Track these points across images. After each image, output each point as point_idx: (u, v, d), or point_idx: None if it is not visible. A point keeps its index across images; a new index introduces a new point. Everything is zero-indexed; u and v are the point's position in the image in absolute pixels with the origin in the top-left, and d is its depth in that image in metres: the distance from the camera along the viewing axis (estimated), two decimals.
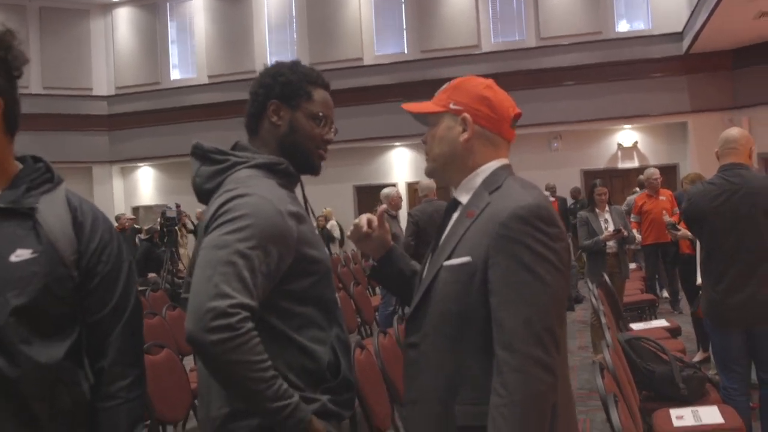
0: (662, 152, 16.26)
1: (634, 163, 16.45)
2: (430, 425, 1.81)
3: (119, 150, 18.84)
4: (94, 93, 19.10)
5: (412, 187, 17.10)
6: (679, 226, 6.81)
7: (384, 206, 2.23)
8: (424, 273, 1.93)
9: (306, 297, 1.99)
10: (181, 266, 11.81)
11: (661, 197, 9.45)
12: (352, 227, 2.19)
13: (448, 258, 1.80)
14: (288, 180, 2.10)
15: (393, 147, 17.63)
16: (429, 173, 2.02)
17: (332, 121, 2.19)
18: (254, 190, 1.92)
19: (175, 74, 19.26)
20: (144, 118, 18.46)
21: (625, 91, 15.58)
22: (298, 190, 2.17)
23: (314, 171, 2.19)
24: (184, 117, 18.02)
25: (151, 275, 10.93)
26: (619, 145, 16.56)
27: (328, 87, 2.21)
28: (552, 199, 13.83)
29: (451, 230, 1.87)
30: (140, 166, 19.56)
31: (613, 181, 15.55)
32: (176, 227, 11.50)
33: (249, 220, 1.85)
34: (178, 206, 12.04)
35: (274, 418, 1.84)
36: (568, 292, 1.86)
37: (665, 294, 10.12)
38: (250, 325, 1.79)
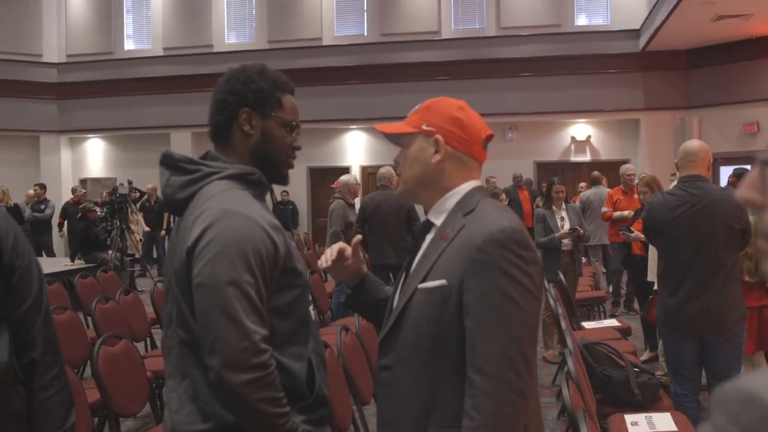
0: (614, 147, 16.53)
1: (587, 157, 16.71)
2: None
3: (68, 120, 18.36)
4: (44, 60, 18.54)
5: (366, 171, 17.11)
6: (632, 228, 6.96)
7: (359, 237, 2.19)
8: (397, 295, 1.93)
9: (289, 312, 1.98)
10: (129, 243, 11.63)
11: (635, 196, 8.96)
12: (325, 257, 2.13)
13: (423, 280, 1.80)
14: (260, 190, 2.08)
15: (348, 130, 17.57)
16: (401, 194, 2.01)
17: (299, 126, 2.16)
18: (235, 209, 1.90)
19: (130, 45, 18.80)
20: (95, 88, 18.01)
21: (580, 85, 15.80)
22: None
23: (284, 181, 2.17)
24: (137, 89, 17.69)
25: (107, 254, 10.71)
26: (573, 138, 16.78)
27: (294, 91, 2.16)
28: (520, 187, 13.98)
29: (425, 252, 1.87)
30: (90, 138, 19.09)
31: (565, 174, 15.76)
32: (127, 204, 11.29)
33: (242, 247, 1.84)
34: (130, 183, 11.84)
35: None
36: (539, 315, 1.89)
37: (610, 289, 10.25)
38: (273, 360, 1.84)
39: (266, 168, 2.08)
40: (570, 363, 3.34)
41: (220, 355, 1.78)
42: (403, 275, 1.94)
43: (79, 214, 10.87)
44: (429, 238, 1.90)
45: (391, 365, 1.84)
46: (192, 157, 2.06)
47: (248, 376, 1.79)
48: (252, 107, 2.04)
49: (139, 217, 13.70)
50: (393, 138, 2.00)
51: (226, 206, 1.89)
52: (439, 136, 1.88)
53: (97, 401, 4.15)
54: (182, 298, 1.93)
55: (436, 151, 1.88)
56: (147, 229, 14.07)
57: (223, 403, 1.87)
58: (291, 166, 2.16)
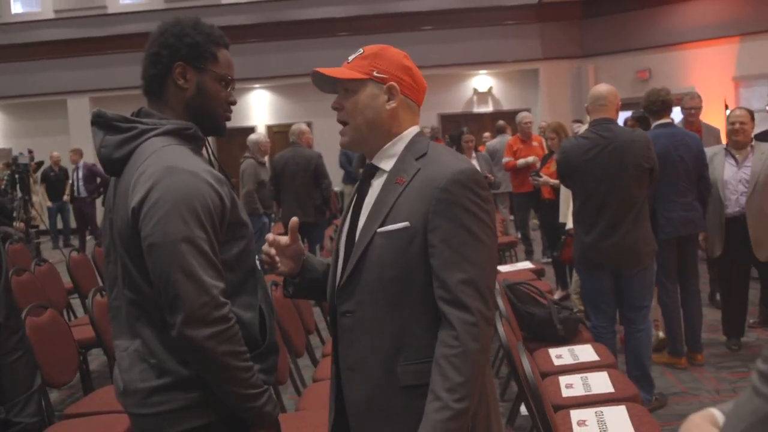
0: (515, 97, 16.90)
1: (489, 108, 17.07)
2: (372, 389, 1.85)
3: None
4: None
5: (271, 130, 16.95)
6: (541, 173, 7.18)
7: (295, 219, 2.08)
8: (342, 241, 1.96)
9: (238, 263, 1.98)
10: (33, 213, 11.25)
11: (534, 143, 9.46)
12: (267, 254, 2.04)
13: (382, 224, 1.82)
14: (197, 144, 2.05)
15: (252, 89, 17.30)
16: (349, 143, 1.97)
17: (234, 82, 2.14)
18: (179, 165, 1.88)
19: (17, 8, 17.85)
20: None
21: (480, 37, 16.05)
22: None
23: (221, 133, 2.15)
24: (28, 54, 16.83)
25: (9, 227, 10.33)
26: (475, 90, 17.09)
27: (228, 46, 2.13)
28: (437, 138, 14.10)
29: (379, 197, 1.88)
30: None
31: (469, 125, 15.98)
32: (28, 174, 10.89)
33: (191, 203, 1.83)
34: (30, 152, 11.40)
35: (253, 404, 1.92)
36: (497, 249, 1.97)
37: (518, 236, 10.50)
38: (233, 315, 1.87)
39: (201, 122, 2.05)
40: (500, 302, 3.49)
41: (181, 312, 1.79)
42: (347, 222, 1.97)
43: None
44: (377, 182, 1.92)
45: (353, 310, 1.86)
46: (125, 115, 2.02)
47: (211, 330, 1.80)
48: (186, 61, 2.01)
49: (41, 188, 13.27)
50: (328, 82, 1.97)
51: (168, 163, 1.86)
52: (394, 83, 1.90)
53: None
54: (128, 258, 1.91)
55: (389, 99, 1.90)
56: (49, 204, 13.73)
57: (188, 361, 1.88)
58: (228, 119, 2.15)
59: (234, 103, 2.14)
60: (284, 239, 2.05)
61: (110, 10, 17.05)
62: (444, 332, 1.76)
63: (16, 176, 10.60)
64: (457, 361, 1.72)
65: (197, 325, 1.80)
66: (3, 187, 11.09)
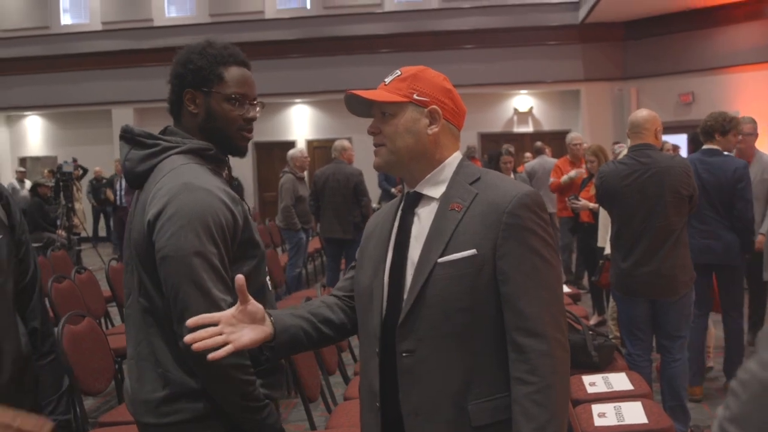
0: (556, 118, 16.83)
1: (529, 128, 17.00)
2: None
3: (5, 97, 17.76)
4: None
5: (311, 145, 17.07)
6: (580, 197, 7.11)
7: (240, 277, 1.72)
8: (386, 275, 1.83)
9: (247, 281, 1.86)
10: (76, 221, 11.46)
11: (584, 165, 8.56)
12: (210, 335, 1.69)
13: (443, 254, 1.73)
14: (218, 165, 2.11)
15: (293, 104, 17.47)
16: (384, 166, 1.87)
17: (252, 97, 2.13)
18: (195, 182, 1.93)
19: (66, 19, 18.33)
20: (32, 64, 17.46)
21: (522, 57, 16.00)
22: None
23: (240, 153, 2.16)
24: (76, 65, 17.23)
25: (54, 234, 10.54)
26: (515, 109, 17.03)
27: (245, 63, 2.14)
28: (474, 158, 14.08)
29: (434, 225, 1.78)
30: (28, 115, 18.61)
31: (508, 145, 15.97)
32: (72, 182, 11.12)
33: (205, 219, 1.89)
34: (74, 160, 11.65)
35: (256, 416, 1.97)
36: None
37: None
38: None
39: (218, 144, 2.10)
40: None
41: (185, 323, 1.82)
42: (389, 254, 1.85)
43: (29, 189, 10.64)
44: (424, 211, 1.83)
45: (413, 349, 1.74)
46: (151, 132, 2.10)
47: None
48: (193, 87, 2.07)
49: (82, 195, 13.55)
50: (363, 105, 1.87)
51: (185, 180, 1.93)
52: (436, 107, 1.83)
53: None
54: (143, 268, 1.98)
55: (431, 123, 1.83)
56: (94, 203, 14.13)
57: (195, 371, 1.93)
58: (246, 138, 2.14)
59: (252, 119, 2.13)
60: (229, 311, 1.74)
61: (156, 23, 17.42)
62: (518, 366, 1.67)
63: (60, 184, 10.81)
64: (540, 398, 1.63)
65: None
66: (50, 194, 11.34)
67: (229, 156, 2.18)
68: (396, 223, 1.88)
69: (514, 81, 16.27)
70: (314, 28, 16.80)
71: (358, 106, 1.89)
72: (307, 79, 16.39)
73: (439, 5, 16.82)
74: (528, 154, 13.40)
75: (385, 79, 1.88)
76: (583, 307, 6.31)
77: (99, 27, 17.81)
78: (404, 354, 1.75)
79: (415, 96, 1.82)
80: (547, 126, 16.74)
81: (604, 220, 6.12)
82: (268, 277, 2.17)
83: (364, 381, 1.90)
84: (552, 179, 9.12)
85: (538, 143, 11.80)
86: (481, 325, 1.72)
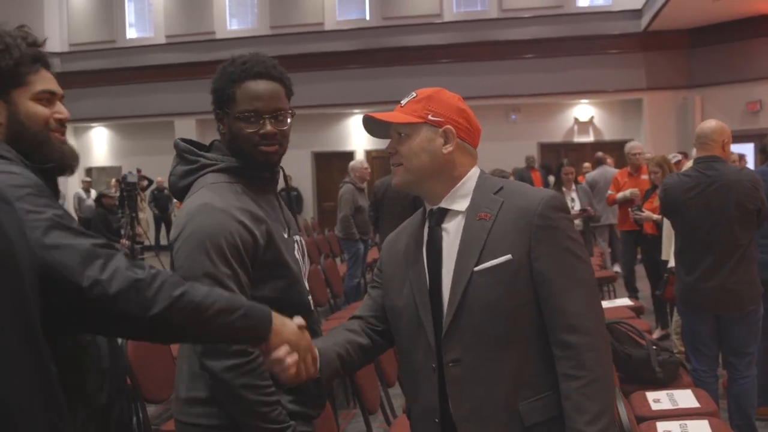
0: (617, 128, 16.57)
1: (590, 138, 16.76)
2: None
3: (72, 109, 17.48)
4: (47, 50, 18.33)
5: (370, 155, 17.13)
6: (643, 208, 6.99)
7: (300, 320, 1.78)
8: (420, 290, 1.88)
9: (279, 303, 1.89)
10: (139, 230, 11.72)
11: (643, 176, 8.41)
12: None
13: (478, 263, 1.79)
14: (255, 182, 2.10)
15: (352, 114, 17.55)
16: (403, 184, 1.93)
17: (269, 110, 2.06)
18: (213, 203, 1.95)
19: (132, 33, 18.84)
20: (99, 77, 17.97)
21: (583, 66, 15.80)
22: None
23: (264, 169, 2.12)
24: (140, 77, 17.67)
25: (117, 243, 10.81)
26: (576, 119, 16.83)
27: (262, 74, 2.07)
28: (533, 168, 14.02)
29: (465, 236, 1.84)
30: (94, 127, 19.16)
31: (568, 155, 15.79)
32: (136, 192, 11.37)
33: (217, 241, 1.91)
34: (139, 171, 11.93)
35: None
36: None
37: (616, 269, 10.20)
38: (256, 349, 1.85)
39: (245, 162, 2.08)
40: None
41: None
42: (423, 270, 1.90)
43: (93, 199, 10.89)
44: (451, 224, 1.89)
45: (459, 358, 1.80)
46: (194, 149, 2.13)
47: (230, 361, 1.86)
48: (218, 108, 2.11)
49: (146, 205, 13.84)
50: (381, 127, 1.94)
51: (205, 201, 1.97)
52: (450, 127, 1.88)
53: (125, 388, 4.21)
54: None
55: (445, 142, 1.88)
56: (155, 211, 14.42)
57: (217, 389, 1.95)
58: (267, 153, 2.07)
59: (269, 133, 2.05)
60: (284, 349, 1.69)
61: (218, 36, 17.74)
62: (565, 363, 1.74)
63: (125, 194, 11.06)
64: (589, 391, 1.70)
65: (216, 356, 1.87)
66: (115, 204, 11.63)
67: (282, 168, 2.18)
68: (425, 240, 1.94)
69: (575, 90, 16.07)
70: (373, 39, 16.89)
71: (377, 128, 1.97)
72: (366, 89, 16.46)
73: (499, 15, 16.73)
74: (587, 164, 13.22)
75: (401, 101, 1.95)
76: (647, 321, 6.20)
77: (163, 40, 18.23)
78: (451, 364, 1.81)
79: (429, 117, 1.88)
80: (608, 136, 16.48)
81: (668, 232, 6.00)
82: (310, 296, 2.18)
83: (416, 398, 1.93)
84: (610, 192, 8.91)
85: (599, 153, 11.66)
86: (523, 327, 1.79)
